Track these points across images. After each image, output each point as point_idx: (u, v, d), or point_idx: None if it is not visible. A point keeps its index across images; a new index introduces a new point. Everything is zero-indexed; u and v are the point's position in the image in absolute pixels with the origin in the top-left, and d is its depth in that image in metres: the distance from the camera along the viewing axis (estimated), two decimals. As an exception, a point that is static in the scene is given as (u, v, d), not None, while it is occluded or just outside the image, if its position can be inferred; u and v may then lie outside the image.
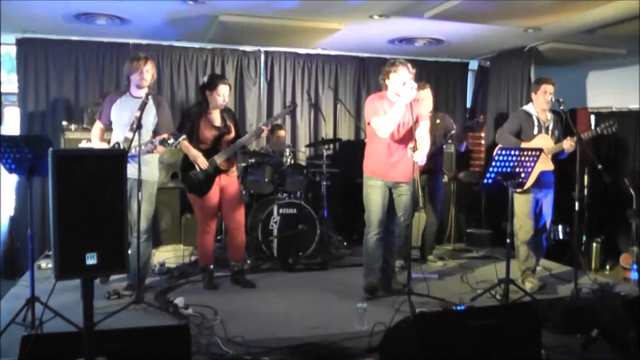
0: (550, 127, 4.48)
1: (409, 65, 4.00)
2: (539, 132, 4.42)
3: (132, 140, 3.77)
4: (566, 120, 4.28)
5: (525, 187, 4.26)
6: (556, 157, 4.45)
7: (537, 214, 4.50)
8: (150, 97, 3.93)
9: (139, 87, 4.02)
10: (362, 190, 4.20)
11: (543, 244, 4.64)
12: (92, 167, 1.91)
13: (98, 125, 4.16)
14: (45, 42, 5.70)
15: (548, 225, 4.63)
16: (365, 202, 4.17)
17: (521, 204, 4.42)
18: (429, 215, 5.32)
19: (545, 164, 4.35)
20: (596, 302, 3.67)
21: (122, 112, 4.02)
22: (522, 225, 4.44)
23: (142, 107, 3.78)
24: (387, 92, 4.10)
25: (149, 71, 4.02)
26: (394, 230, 4.24)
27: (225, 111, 4.47)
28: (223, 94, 4.29)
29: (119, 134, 4.02)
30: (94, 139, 4.16)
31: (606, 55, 5.95)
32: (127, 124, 3.96)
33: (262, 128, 4.39)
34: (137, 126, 3.71)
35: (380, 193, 4.09)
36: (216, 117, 4.39)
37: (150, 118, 4.01)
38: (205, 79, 4.38)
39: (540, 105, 4.44)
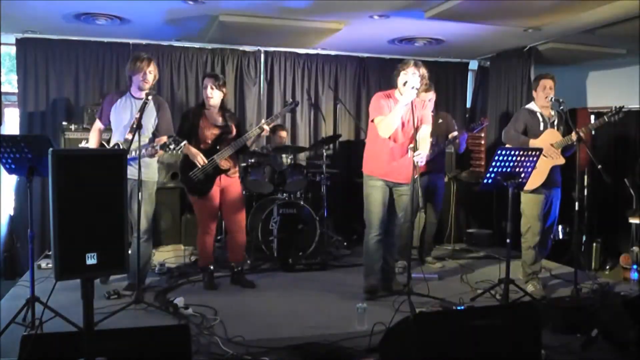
0: (556, 122, 4.42)
1: (421, 67, 3.96)
2: (545, 128, 4.36)
3: (131, 142, 3.76)
4: (566, 120, 4.27)
5: (536, 186, 4.22)
6: (562, 154, 4.34)
7: (545, 214, 4.41)
8: (150, 98, 3.91)
9: (141, 88, 4.00)
10: (362, 191, 4.17)
11: (548, 243, 4.60)
12: (92, 167, 1.91)
13: (97, 126, 4.16)
14: (45, 42, 5.70)
15: (554, 225, 4.58)
16: (365, 202, 4.14)
17: (532, 205, 4.33)
18: (429, 216, 5.33)
19: (557, 159, 4.29)
20: (596, 302, 3.67)
21: (122, 113, 4.01)
22: (532, 227, 4.34)
23: (143, 108, 3.77)
24: (395, 91, 4.08)
25: (151, 72, 4.01)
26: (394, 230, 4.23)
27: (226, 111, 4.48)
28: (206, 86, 4.31)
29: (119, 135, 4.01)
30: (91, 140, 4.16)
31: (606, 55, 5.95)
32: (127, 125, 3.95)
33: (264, 127, 4.37)
34: (137, 127, 3.69)
35: (381, 193, 4.06)
36: (217, 117, 4.40)
37: (150, 120, 4.00)
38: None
39: (542, 101, 4.37)
